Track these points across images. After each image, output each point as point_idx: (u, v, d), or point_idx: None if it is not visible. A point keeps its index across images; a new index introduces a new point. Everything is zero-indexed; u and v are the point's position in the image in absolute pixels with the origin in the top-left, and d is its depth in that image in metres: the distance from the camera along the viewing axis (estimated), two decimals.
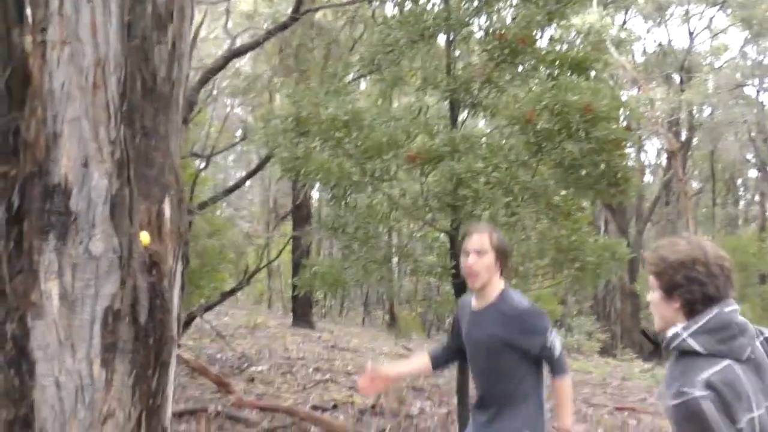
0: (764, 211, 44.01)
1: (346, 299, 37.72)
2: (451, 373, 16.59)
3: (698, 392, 3.31)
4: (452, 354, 5.83)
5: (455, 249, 10.46)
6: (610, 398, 16.24)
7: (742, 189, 47.91)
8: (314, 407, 11.91)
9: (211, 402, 11.26)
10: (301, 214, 24.12)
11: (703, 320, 3.56)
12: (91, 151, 4.56)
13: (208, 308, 15.82)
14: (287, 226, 26.69)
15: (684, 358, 3.53)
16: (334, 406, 12.26)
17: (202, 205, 15.07)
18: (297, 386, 13.85)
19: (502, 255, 5.35)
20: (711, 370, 3.38)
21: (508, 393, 5.40)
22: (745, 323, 3.58)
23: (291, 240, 22.88)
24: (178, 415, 10.23)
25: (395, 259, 12.43)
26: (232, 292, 16.67)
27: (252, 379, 14.01)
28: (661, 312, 3.80)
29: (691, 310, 3.64)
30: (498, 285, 5.40)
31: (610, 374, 21.90)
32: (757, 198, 46.18)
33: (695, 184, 43.38)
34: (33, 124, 4.54)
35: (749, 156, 41.46)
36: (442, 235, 11.06)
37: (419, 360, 5.87)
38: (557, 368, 5.39)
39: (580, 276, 10.34)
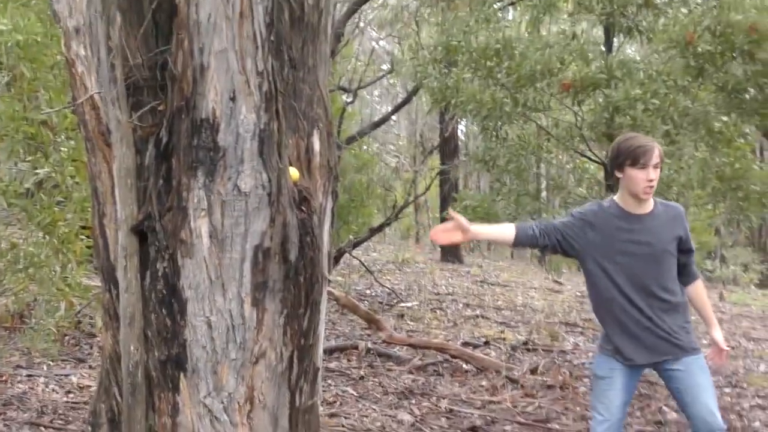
0: None
1: None
2: None
3: None
4: (544, 241, 5.53)
5: (609, 180, 10.26)
6: None
7: None
8: (465, 343, 11.85)
9: (362, 339, 11.28)
10: (449, 147, 24.06)
11: None
12: (239, 84, 4.49)
13: (357, 244, 15.87)
14: (435, 161, 26.59)
15: None
16: (486, 342, 12.18)
17: (350, 140, 15.06)
18: (447, 322, 13.83)
19: None
20: None
21: (674, 299, 5.40)
22: None
23: (439, 174, 22.79)
24: (329, 352, 10.26)
25: (545, 193, 12.22)
26: (381, 227, 16.67)
27: (402, 315, 14.03)
28: None
29: None
30: None
31: None
32: None
33: None
34: (180, 57, 4.49)
35: None
36: (593, 166, 10.85)
37: (504, 229, 5.68)
38: (696, 271, 5.61)
39: (743, 206, 10.06)
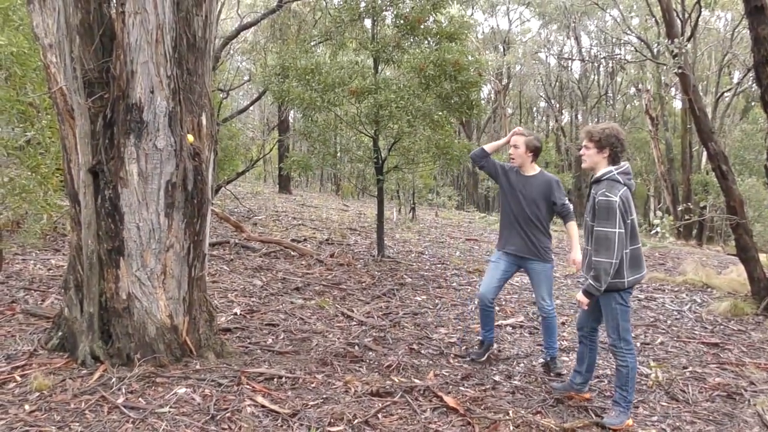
0: (548, 126, 44.55)
1: (311, 177, 37.45)
2: (373, 218, 16.60)
3: (614, 198, 4.07)
4: (491, 164, 5.64)
5: (376, 147, 10.32)
6: (463, 233, 16.34)
7: (536, 113, 48.24)
8: (293, 240, 11.78)
9: (231, 237, 11.04)
10: (283, 126, 23.71)
11: (621, 167, 4.24)
12: (155, 83, 4.35)
13: (229, 182, 15.47)
14: (275, 134, 26.08)
15: (608, 181, 4.17)
16: (304, 239, 12.13)
17: (225, 120, 14.59)
18: (282, 228, 13.69)
19: (533, 149, 5.43)
20: (622, 190, 4.14)
21: (539, 225, 5.49)
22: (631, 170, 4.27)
23: (277, 141, 22.45)
24: (212, 245, 10.02)
25: (339, 154, 12.18)
26: (243, 172, 16.28)
27: (255, 224, 13.80)
28: (593, 159, 4.31)
29: (613, 160, 4.27)
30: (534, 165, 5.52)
31: (462, 220, 22.05)
32: (544, 118, 46.74)
33: (510, 110, 43.28)
34: (118, 65, 4.33)
35: (540, 93, 41.62)
36: (366, 138, 10.88)
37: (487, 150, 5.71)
38: (569, 214, 5.52)
39: (449, 163, 10.31)
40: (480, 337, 5.81)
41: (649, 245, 16.22)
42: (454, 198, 30.69)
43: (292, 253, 10.42)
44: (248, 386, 4.38)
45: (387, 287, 8.55)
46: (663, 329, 7.11)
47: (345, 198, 27.01)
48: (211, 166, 4.99)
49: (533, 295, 8.76)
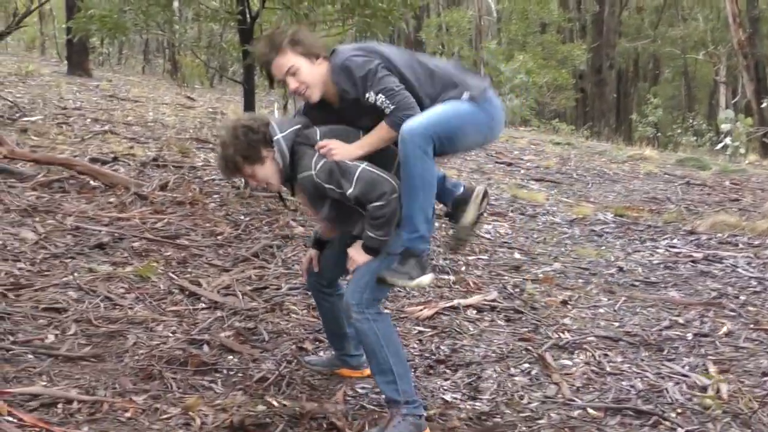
0: None
1: (125, 46, 36.69)
2: None
3: None
4: None
5: None
6: None
7: None
8: (93, 159, 11.56)
9: None
10: None
11: None
12: None
13: None
14: None
15: None
16: (114, 159, 11.91)
17: None
18: (74, 138, 13.42)
19: None
20: None
21: None
22: None
23: None
24: None
25: (176, 3, 11.97)
26: (0, 36, 15.85)
27: (25, 130, 13.45)
28: None
29: None
30: None
31: None
32: None
33: None
34: None
35: None
36: None
37: None
38: None
39: (370, 23, 10.24)
40: None
41: (716, 167, 16.62)
42: None
43: (91, 182, 10.26)
44: (10, 419, 4.33)
45: (262, 242, 8.57)
46: (732, 310, 7.35)
47: (188, 85, 26.64)
48: None
49: (514, 257, 8.92)
